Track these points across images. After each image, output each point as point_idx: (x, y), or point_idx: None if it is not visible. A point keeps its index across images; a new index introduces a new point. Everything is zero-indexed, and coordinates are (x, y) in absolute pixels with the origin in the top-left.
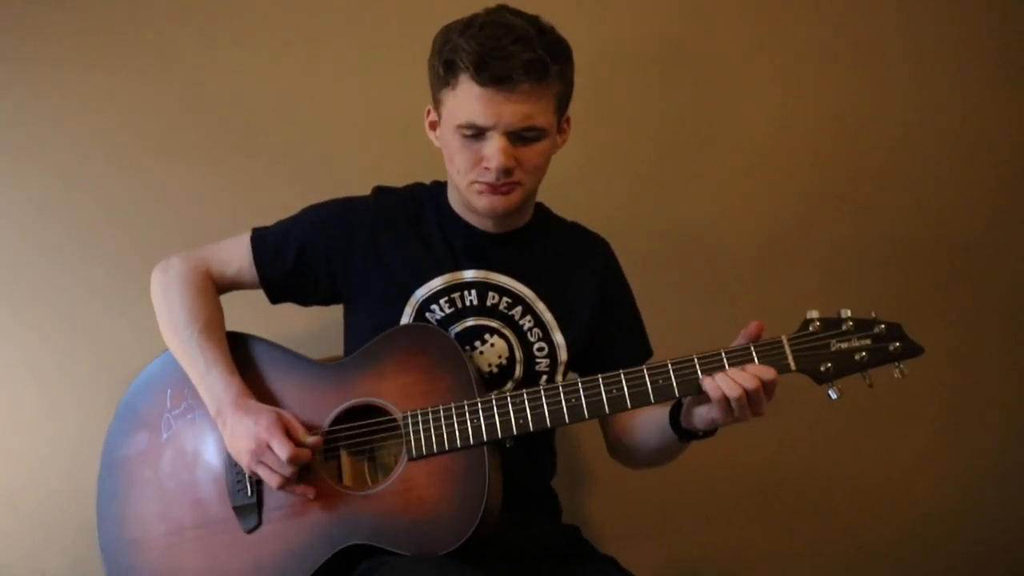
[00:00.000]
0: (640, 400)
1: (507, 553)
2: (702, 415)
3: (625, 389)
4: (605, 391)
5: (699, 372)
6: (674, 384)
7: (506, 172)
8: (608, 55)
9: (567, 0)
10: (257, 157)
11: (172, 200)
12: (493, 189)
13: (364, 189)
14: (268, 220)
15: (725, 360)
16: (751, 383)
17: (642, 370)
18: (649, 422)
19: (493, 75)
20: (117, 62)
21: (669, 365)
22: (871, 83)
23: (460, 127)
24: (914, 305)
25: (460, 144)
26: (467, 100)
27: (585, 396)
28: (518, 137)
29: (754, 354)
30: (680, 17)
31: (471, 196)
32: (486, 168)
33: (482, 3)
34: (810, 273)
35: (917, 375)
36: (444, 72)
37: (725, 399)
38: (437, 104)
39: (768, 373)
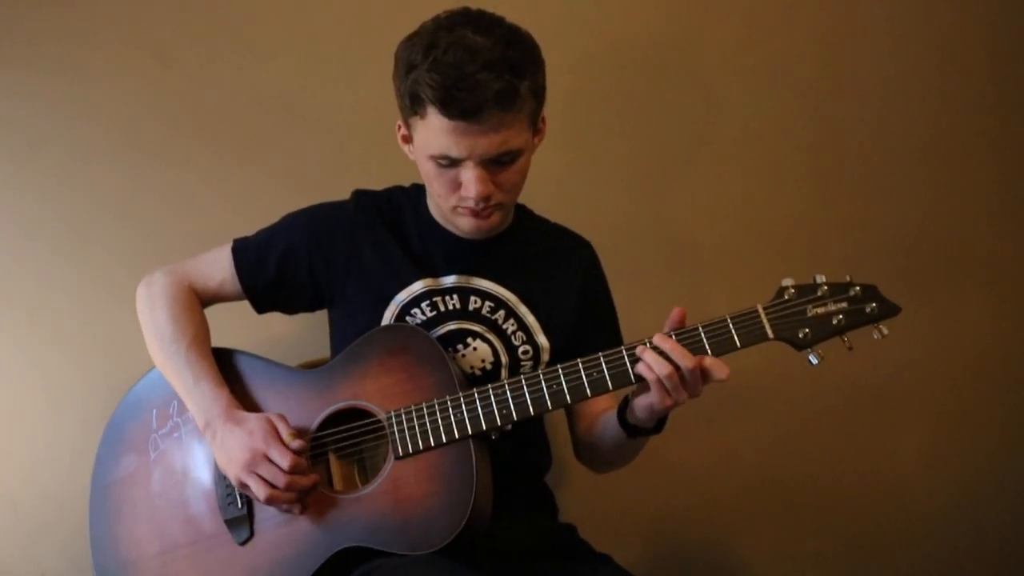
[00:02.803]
0: (622, 380)
1: (503, 552)
2: (640, 404)
3: (605, 371)
4: (586, 374)
5: None
6: None
7: (485, 199)
8: (595, 55)
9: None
10: (256, 157)
11: (173, 200)
12: (475, 213)
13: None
14: (268, 219)
15: (703, 337)
16: (684, 360)
17: (621, 351)
18: (608, 417)
19: (461, 109)
20: (115, 63)
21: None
22: (864, 83)
23: (433, 157)
24: (913, 305)
25: (436, 171)
26: (438, 132)
27: (566, 381)
28: (494, 162)
29: (731, 325)
30: (668, 15)
31: (454, 217)
32: (465, 195)
33: (481, 4)
34: (803, 273)
35: (917, 375)
36: (410, 103)
37: (659, 380)
38: (407, 125)
39: (689, 360)
